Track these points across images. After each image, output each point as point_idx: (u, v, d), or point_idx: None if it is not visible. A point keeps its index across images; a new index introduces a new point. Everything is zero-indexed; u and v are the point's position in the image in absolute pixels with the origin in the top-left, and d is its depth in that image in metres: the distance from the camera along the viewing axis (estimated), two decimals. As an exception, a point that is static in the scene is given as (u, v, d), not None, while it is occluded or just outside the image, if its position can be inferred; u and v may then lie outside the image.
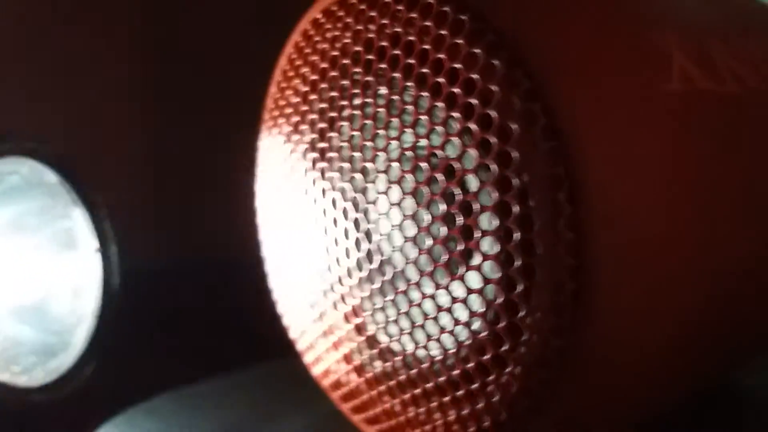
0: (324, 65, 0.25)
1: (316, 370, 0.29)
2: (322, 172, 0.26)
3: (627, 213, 0.19)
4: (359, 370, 0.26)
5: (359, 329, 0.25)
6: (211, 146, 0.41)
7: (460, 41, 0.20)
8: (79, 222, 0.36)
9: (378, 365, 0.25)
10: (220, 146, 0.41)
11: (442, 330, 0.22)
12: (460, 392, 0.22)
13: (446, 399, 0.23)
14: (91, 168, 0.36)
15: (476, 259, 0.20)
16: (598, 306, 0.19)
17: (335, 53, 0.25)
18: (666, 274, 0.19)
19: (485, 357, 0.21)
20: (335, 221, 0.25)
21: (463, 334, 0.21)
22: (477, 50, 0.20)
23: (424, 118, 0.21)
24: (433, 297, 0.22)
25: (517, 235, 0.19)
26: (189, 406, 0.31)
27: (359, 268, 0.24)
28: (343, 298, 0.26)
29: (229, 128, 0.41)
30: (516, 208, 0.19)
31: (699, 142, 0.21)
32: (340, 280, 0.25)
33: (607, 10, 0.21)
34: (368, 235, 0.24)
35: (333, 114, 0.25)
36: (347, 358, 0.26)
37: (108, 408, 0.31)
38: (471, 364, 0.21)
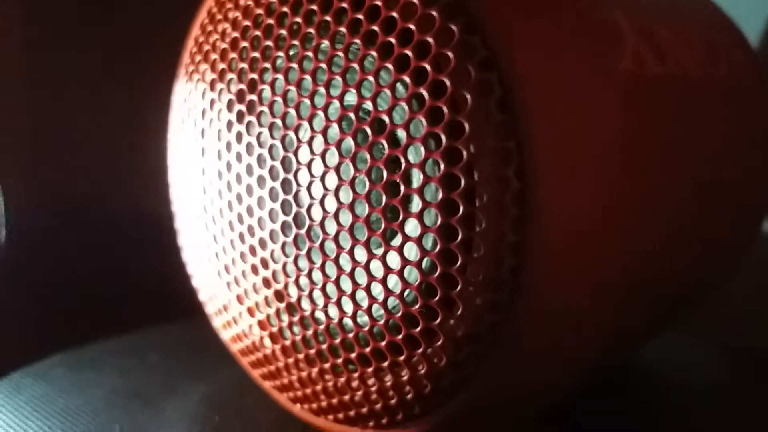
0: (258, 11, 0.23)
1: (226, 335, 0.27)
2: (249, 126, 0.24)
3: (575, 193, 0.19)
4: (275, 336, 0.25)
5: (279, 295, 0.24)
6: (116, 92, 0.38)
7: (414, 0, 0.19)
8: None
9: (297, 332, 0.24)
10: (127, 93, 0.37)
11: (373, 300, 0.21)
12: (385, 363, 0.22)
13: (369, 369, 0.22)
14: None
15: (415, 230, 0.20)
16: (536, 284, 0.19)
17: (271, 0, 0.23)
18: (604, 257, 0.20)
19: (416, 329, 0.21)
20: (260, 180, 0.24)
21: (395, 305, 0.21)
22: (433, 12, 0.19)
23: (370, 78, 0.20)
24: (365, 266, 0.21)
25: (461, 208, 0.19)
26: (80, 369, 0.29)
27: (284, 232, 0.23)
28: (263, 262, 0.24)
29: (138, 72, 0.37)
30: (462, 181, 0.19)
31: (649, 124, 0.21)
32: (261, 243, 0.24)
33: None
34: (297, 198, 0.23)
35: (266, 65, 0.23)
36: (263, 324, 0.25)
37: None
38: (400, 336, 0.21)
